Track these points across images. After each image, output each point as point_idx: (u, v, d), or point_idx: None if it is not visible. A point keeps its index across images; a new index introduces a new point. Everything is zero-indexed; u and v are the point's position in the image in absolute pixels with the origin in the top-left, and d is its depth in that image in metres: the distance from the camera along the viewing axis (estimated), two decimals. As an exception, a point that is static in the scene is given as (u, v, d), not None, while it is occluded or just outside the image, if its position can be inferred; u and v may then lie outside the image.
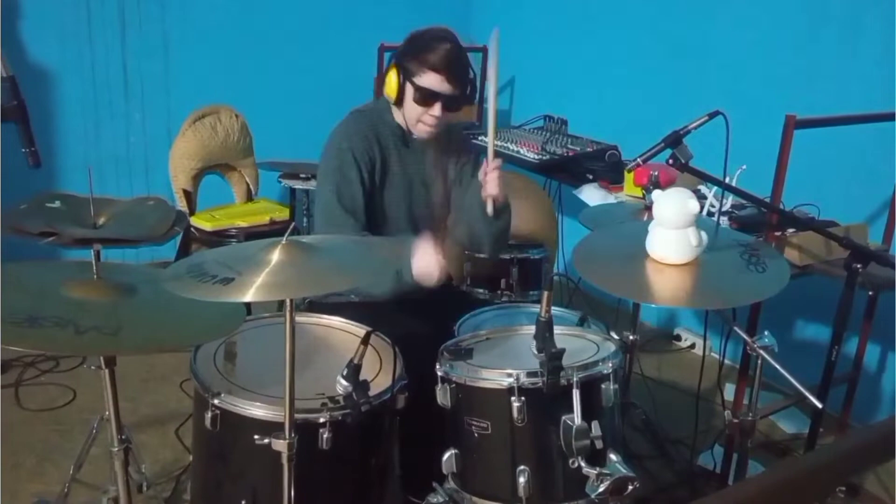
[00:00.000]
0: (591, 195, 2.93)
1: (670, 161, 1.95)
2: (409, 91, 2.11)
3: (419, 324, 2.11)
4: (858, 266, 1.91)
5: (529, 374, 1.55)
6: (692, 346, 3.67)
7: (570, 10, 4.10)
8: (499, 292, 2.79)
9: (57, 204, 1.96)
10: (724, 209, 2.61)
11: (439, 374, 1.68)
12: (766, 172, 2.32)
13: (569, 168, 3.16)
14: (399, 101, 2.15)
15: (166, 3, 3.85)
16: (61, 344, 1.43)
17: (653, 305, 3.62)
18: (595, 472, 1.46)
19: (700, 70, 3.44)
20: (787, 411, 2.93)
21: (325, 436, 1.62)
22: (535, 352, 1.51)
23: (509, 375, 1.55)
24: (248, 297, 1.33)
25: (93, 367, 1.81)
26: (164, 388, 3.03)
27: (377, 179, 2.19)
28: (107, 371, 1.68)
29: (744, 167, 2.56)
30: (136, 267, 1.77)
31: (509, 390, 1.54)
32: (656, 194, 1.79)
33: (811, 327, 3.15)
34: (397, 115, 2.25)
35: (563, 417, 1.52)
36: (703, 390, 2.58)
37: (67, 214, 1.99)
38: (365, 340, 1.62)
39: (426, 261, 1.98)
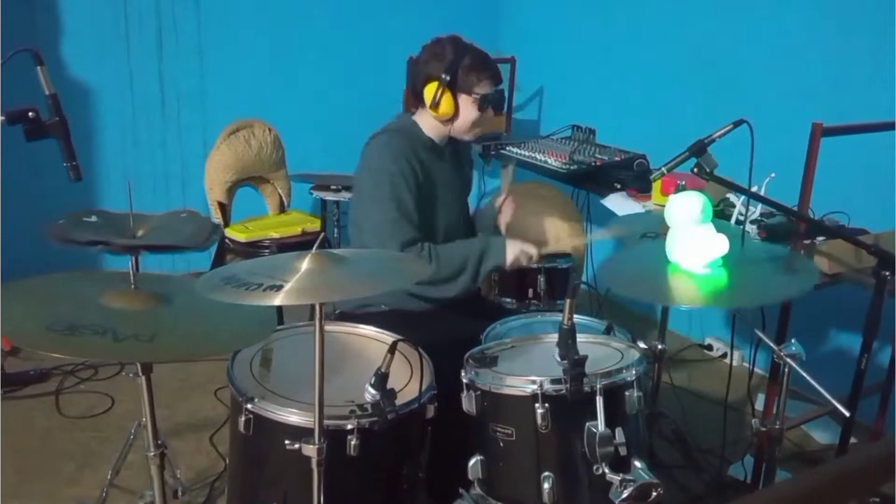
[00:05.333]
0: (619, 204, 2.93)
1: (695, 170, 1.95)
2: (467, 103, 2.24)
3: (449, 333, 2.14)
4: (887, 273, 1.90)
5: (553, 381, 1.57)
6: (724, 355, 3.65)
7: (598, 19, 4.11)
8: (526, 301, 2.82)
9: (94, 219, 2.02)
10: (753, 217, 2.61)
11: (464, 381, 1.71)
12: (795, 180, 2.32)
13: (596, 177, 3.17)
14: (454, 116, 2.25)
15: (202, 22, 3.95)
16: (100, 351, 1.49)
17: (683, 309, 3.61)
18: (619, 478, 1.47)
19: (729, 78, 3.43)
20: (821, 422, 2.89)
21: (352, 442, 1.65)
22: (559, 359, 1.54)
23: (533, 382, 1.57)
24: (281, 301, 1.37)
25: (130, 375, 1.87)
26: (199, 396, 3.10)
27: (425, 195, 2.26)
28: (143, 378, 1.73)
29: (773, 175, 2.55)
30: (172, 277, 1.83)
31: (533, 397, 1.56)
32: (669, 199, 1.81)
33: (843, 336, 3.12)
34: (427, 129, 2.31)
35: (587, 424, 1.54)
36: (735, 400, 2.56)
37: (106, 228, 2.05)
38: (392, 349, 1.66)
39: (517, 246, 2.25)
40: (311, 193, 3.33)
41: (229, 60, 4.02)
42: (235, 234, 3.25)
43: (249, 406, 1.73)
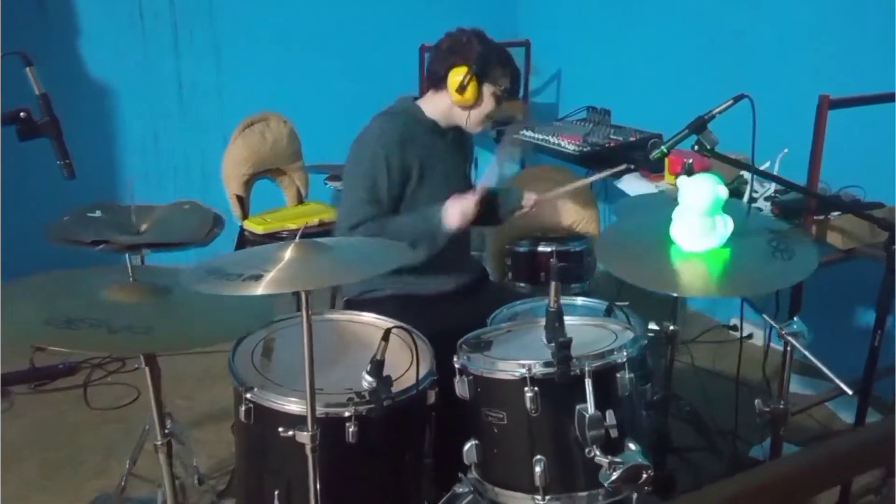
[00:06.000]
0: (632, 185, 2.90)
1: (695, 147, 1.92)
2: (489, 93, 2.27)
3: (459, 319, 2.15)
4: (896, 248, 1.84)
5: (543, 365, 1.56)
6: (749, 335, 3.58)
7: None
8: (539, 285, 2.80)
9: (98, 213, 2.06)
10: (767, 194, 2.56)
11: (457, 366, 1.71)
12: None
13: (610, 159, 3.12)
14: (475, 104, 2.27)
15: (215, 18, 3.98)
16: (95, 343, 1.52)
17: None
18: (607, 460, 1.45)
19: (745, 54, 3.36)
20: (847, 401, 2.83)
21: (350, 429, 1.66)
22: (546, 342, 1.52)
23: (522, 366, 1.57)
24: (262, 290, 1.39)
25: (144, 367, 1.92)
26: (220, 386, 3.13)
27: (415, 180, 2.28)
28: (147, 368, 1.77)
29: (786, 150, 2.50)
30: (172, 270, 1.85)
31: (522, 381, 1.56)
32: (682, 180, 1.78)
33: (860, 312, 3.04)
34: (431, 112, 2.32)
35: (578, 407, 1.53)
36: (759, 380, 2.51)
37: (110, 223, 2.09)
38: (385, 337, 1.66)
39: (456, 205, 2.19)
40: (326, 184, 3.34)
41: (244, 54, 4.05)
42: (253, 226, 3.28)
43: (249, 395, 1.75)
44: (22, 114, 1.52)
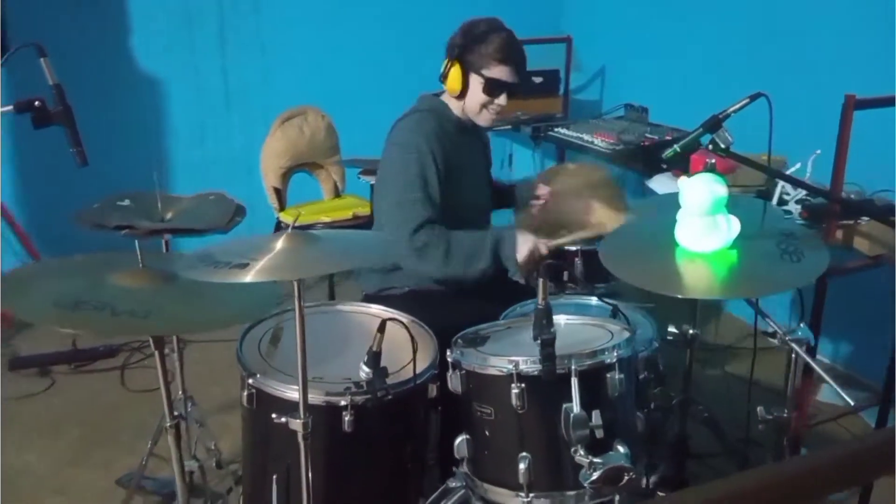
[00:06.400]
0: (662, 185, 2.85)
1: (710, 146, 1.88)
2: (476, 83, 2.22)
3: (471, 315, 2.14)
4: (917, 255, 1.77)
5: (532, 362, 1.55)
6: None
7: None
8: (563, 285, 2.76)
9: (126, 202, 2.14)
10: (798, 197, 2.48)
11: (450, 360, 1.71)
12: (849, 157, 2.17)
13: (643, 157, 3.08)
14: (462, 94, 2.24)
15: (260, 14, 4.06)
16: (97, 325, 1.58)
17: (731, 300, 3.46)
18: (587, 460, 1.44)
19: (786, 53, 3.26)
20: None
21: (347, 419, 1.69)
22: (533, 339, 1.52)
23: (510, 362, 1.56)
24: (250, 278, 1.42)
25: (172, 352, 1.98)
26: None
27: (453, 175, 2.26)
28: (157, 351, 1.83)
29: (818, 152, 2.42)
30: (180, 256, 1.91)
31: (509, 377, 1.55)
32: (682, 181, 1.75)
33: (887, 321, 2.92)
34: (455, 109, 2.32)
35: (564, 406, 1.52)
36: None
37: (137, 211, 2.16)
38: (381, 328, 1.67)
39: (529, 242, 2.18)
40: (360, 178, 3.38)
41: (288, 50, 4.11)
42: (289, 218, 3.35)
43: (251, 381, 1.80)
44: (36, 103, 1.59)
